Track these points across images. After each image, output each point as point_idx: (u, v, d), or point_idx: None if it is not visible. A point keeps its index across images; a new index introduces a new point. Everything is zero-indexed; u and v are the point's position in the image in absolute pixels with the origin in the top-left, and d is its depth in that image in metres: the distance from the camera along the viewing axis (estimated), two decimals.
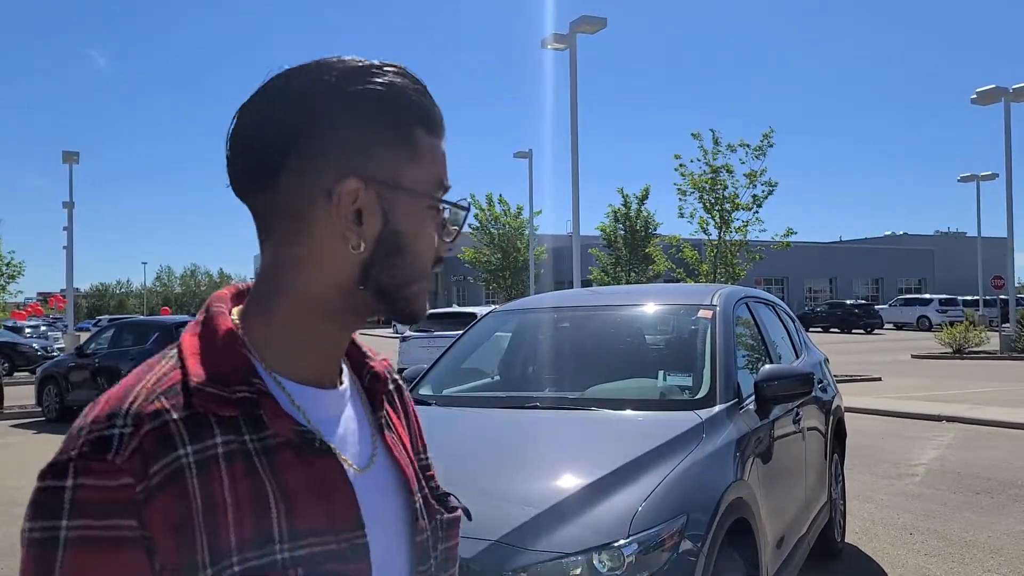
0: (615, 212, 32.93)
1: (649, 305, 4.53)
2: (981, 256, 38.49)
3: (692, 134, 18.63)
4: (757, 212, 18.42)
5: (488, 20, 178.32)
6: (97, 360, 13.11)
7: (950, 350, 23.22)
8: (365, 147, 0.81)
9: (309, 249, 0.81)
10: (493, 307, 4.85)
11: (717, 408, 3.38)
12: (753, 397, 3.66)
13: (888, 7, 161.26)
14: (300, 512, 0.77)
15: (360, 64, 0.82)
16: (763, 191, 18.27)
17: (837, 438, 5.41)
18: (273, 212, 0.82)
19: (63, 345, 25.73)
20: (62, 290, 43.67)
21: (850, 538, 5.54)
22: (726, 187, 18.34)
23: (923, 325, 40.10)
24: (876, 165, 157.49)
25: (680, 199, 18.84)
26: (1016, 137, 24.86)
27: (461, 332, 4.86)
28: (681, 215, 18.95)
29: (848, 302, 42.95)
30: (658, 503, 2.65)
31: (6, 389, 15.04)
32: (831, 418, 5.14)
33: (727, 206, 18.32)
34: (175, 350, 0.81)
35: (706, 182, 18.32)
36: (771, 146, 18.32)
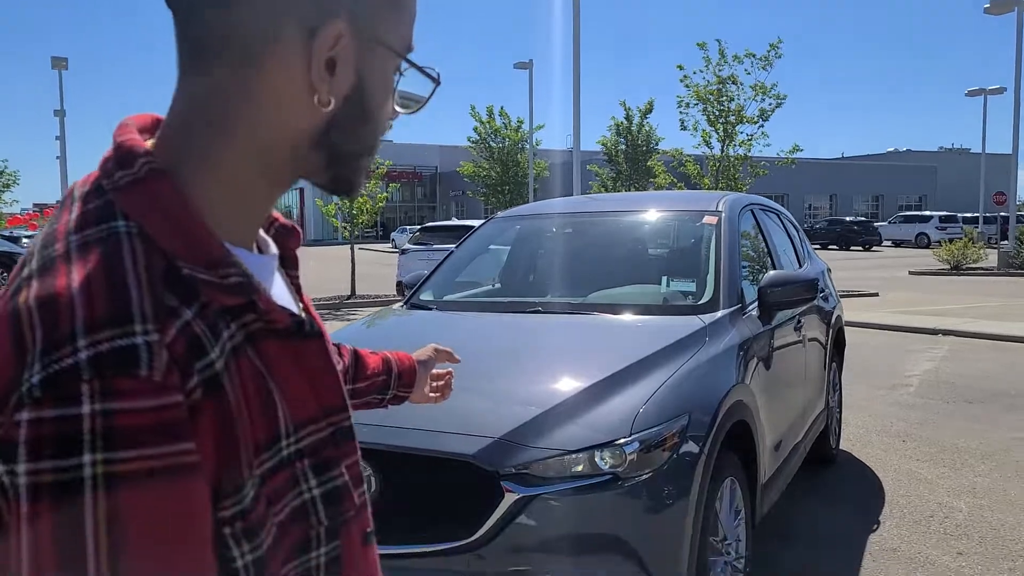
0: (617, 125, 32.35)
1: (653, 211, 4.47)
2: (984, 173, 38.10)
3: (697, 44, 18.08)
4: (763, 126, 18.05)
5: None
6: None
7: (948, 266, 23.22)
8: None
9: (266, 84, 0.68)
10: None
11: (720, 313, 3.37)
12: (756, 303, 3.65)
13: None
14: (297, 403, 0.73)
15: None
16: (771, 104, 17.84)
17: (836, 347, 5.43)
18: (227, 32, 0.67)
19: None
20: (57, 200, 43.38)
21: (845, 445, 5.63)
22: (732, 99, 17.90)
23: (922, 242, 39.95)
24: (882, 79, 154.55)
25: (682, 112, 18.43)
26: None
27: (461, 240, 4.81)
28: (683, 128, 18.56)
29: (847, 219, 42.78)
30: (660, 403, 2.65)
31: None
32: (831, 327, 5.15)
33: (732, 118, 17.93)
34: (120, 221, 0.64)
35: (711, 93, 17.86)
36: (779, 57, 17.79)
